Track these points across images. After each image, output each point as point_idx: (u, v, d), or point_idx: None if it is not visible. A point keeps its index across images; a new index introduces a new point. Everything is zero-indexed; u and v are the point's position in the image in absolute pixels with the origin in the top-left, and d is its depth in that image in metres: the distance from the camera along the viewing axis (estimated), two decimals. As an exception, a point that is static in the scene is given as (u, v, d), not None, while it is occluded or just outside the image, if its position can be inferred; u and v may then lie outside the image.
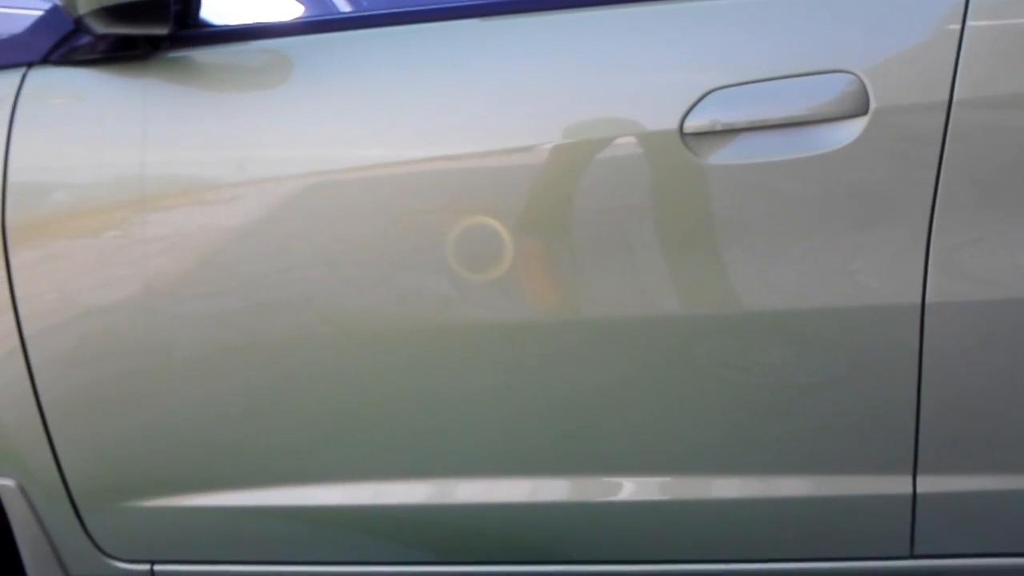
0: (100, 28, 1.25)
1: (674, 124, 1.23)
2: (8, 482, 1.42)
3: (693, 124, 1.23)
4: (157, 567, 1.47)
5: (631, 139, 1.26)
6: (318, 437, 1.38)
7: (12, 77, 1.35)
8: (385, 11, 1.39)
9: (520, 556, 1.43)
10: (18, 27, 1.37)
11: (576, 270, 1.28)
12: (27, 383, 1.37)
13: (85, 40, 1.33)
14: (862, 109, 1.21)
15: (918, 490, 1.31)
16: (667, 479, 1.35)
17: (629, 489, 1.36)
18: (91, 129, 1.32)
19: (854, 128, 1.22)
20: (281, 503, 1.40)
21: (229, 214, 1.31)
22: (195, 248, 1.31)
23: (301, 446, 1.38)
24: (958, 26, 1.21)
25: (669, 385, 1.31)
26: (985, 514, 1.33)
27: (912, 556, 1.36)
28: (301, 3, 1.63)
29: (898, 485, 1.31)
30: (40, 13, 1.35)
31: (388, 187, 1.29)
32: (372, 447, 1.38)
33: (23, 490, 1.42)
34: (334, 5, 1.60)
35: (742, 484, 1.34)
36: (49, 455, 1.39)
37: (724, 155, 1.24)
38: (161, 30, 1.26)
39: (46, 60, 1.34)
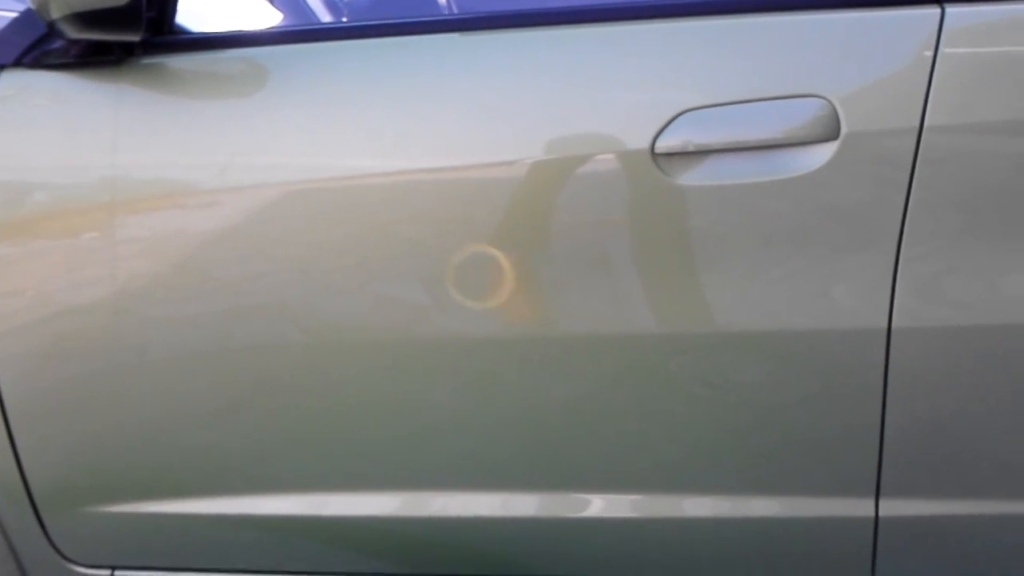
0: (72, 33, 1.24)
1: (646, 144, 1.24)
2: (-33, 483, 1.41)
3: (665, 144, 1.24)
4: (118, 572, 1.46)
5: (604, 157, 1.26)
6: (287, 445, 1.37)
7: (-16, 78, 1.34)
8: (365, 23, 1.38)
9: (488, 570, 1.42)
10: (-9, 29, 1.36)
11: (550, 285, 1.28)
12: None
13: (58, 44, 1.32)
14: (833, 134, 1.22)
15: (880, 513, 1.32)
16: (637, 496, 1.35)
17: (599, 506, 1.36)
18: (63, 132, 1.32)
19: (825, 152, 1.22)
20: (248, 511, 1.40)
21: (204, 219, 1.30)
22: (169, 252, 1.31)
23: (270, 454, 1.38)
24: (931, 53, 1.21)
25: (640, 402, 1.31)
26: (946, 539, 1.34)
27: (873, 579, 1.36)
28: (280, 12, 1.63)
29: (860, 508, 1.32)
30: (13, 15, 1.35)
31: (365, 197, 1.29)
32: (341, 456, 1.37)
33: (-18, 492, 1.41)
34: (313, 15, 1.59)
35: (710, 503, 1.35)
36: (11, 456, 1.38)
37: (695, 176, 1.24)
38: (134, 36, 1.25)
39: (19, 63, 1.34)
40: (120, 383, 1.35)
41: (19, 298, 1.34)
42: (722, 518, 1.35)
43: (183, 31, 1.37)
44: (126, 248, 1.31)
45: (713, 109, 1.23)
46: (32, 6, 1.24)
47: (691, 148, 1.23)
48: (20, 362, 1.35)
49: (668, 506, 1.35)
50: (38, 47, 1.33)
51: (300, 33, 1.39)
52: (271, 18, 1.60)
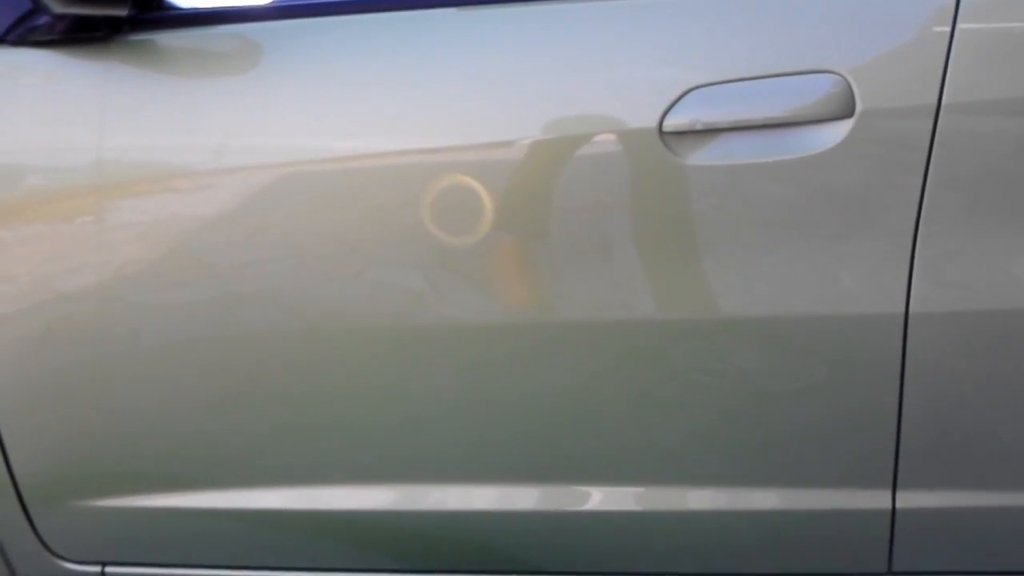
0: (57, 7, 1.21)
1: (653, 122, 1.20)
2: (-48, 476, 1.38)
3: (673, 123, 1.20)
4: (108, 568, 1.43)
5: (610, 136, 1.23)
6: (282, 436, 1.34)
7: (-32, 58, 1.31)
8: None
9: (488, 565, 1.40)
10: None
11: (551, 269, 1.25)
12: None
13: (44, 20, 1.29)
14: (847, 111, 1.18)
15: (897, 505, 1.28)
16: (640, 488, 1.32)
17: (601, 498, 1.33)
18: (49, 112, 1.29)
19: (839, 131, 1.19)
20: (241, 505, 1.37)
21: (196, 203, 1.27)
22: (161, 237, 1.28)
23: (264, 445, 1.35)
24: (948, 28, 1.18)
25: (646, 391, 1.28)
26: (966, 531, 1.31)
27: (890, 572, 1.33)
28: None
29: (877, 499, 1.29)
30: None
31: (362, 179, 1.26)
32: (338, 448, 1.34)
33: (-33, 485, 1.38)
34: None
35: (717, 495, 1.32)
36: None
37: (704, 155, 1.21)
38: (120, 11, 1.23)
39: (3, 40, 1.30)
40: (111, 372, 1.33)
41: (7, 285, 1.31)
42: (731, 511, 1.32)
43: (173, 6, 1.34)
44: (116, 233, 1.28)
45: (723, 86, 1.20)
46: (16, -20, 1.22)
47: (700, 127, 1.20)
48: (7, 351, 1.32)
49: (673, 498, 1.32)
50: (23, 24, 1.30)
51: (295, 8, 1.36)
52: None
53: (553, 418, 1.31)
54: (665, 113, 1.20)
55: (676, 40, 1.24)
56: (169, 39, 1.30)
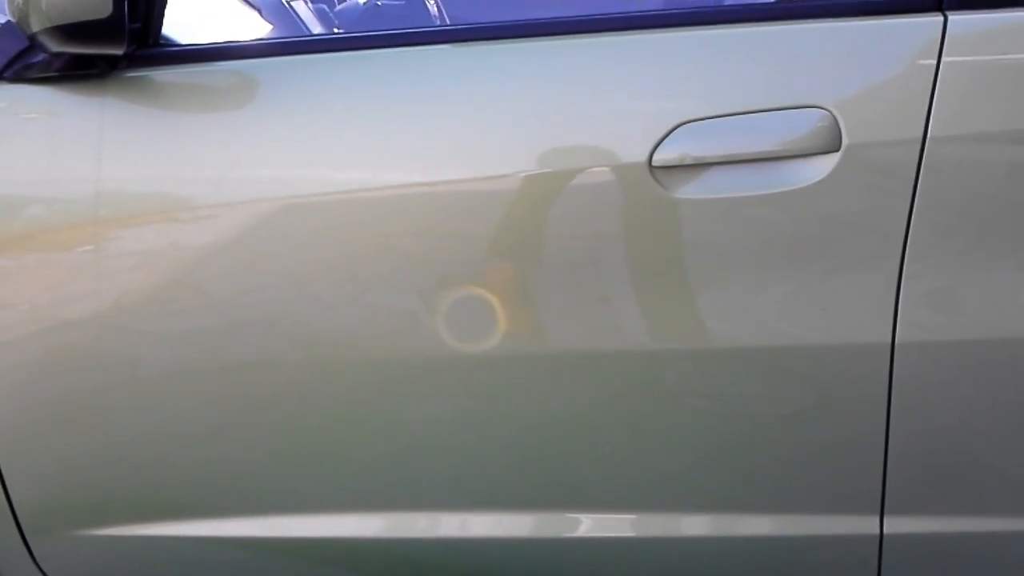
0: (54, 46, 1.21)
1: (643, 156, 1.21)
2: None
3: (662, 157, 1.21)
4: (107, 598, 1.43)
5: (600, 170, 1.24)
6: (281, 464, 1.34)
7: (-35, 94, 1.31)
8: (355, 34, 1.37)
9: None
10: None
11: (546, 301, 1.26)
12: None
13: (41, 58, 1.29)
14: (834, 145, 1.20)
15: (885, 530, 1.30)
16: (634, 515, 1.33)
17: (596, 525, 1.34)
18: (47, 147, 1.29)
19: (826, 164, 1.20)
20: (240, 533, 1.37)
21: (194, 234, 1.28)
22: (159, 267, 1.28)
23: (263, 473, 1.35)
24: (933, 61, 1.19)
25: (639, 420, 1.29)
26: (952, 556, 1.32)
27: (878, 598, 1.34)
28: (269, 24, 1.60)
29: (864, 525, 1.30)
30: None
31: (357, 211, 1.27)
32: (336, 475, 1.35)
33: (-35, 514, 1.37)
34: (304, 26, 1.57)
35: (710, 521, 1.33)
36: None
37: (694, 189, 1.22)
38: (117, 50, 1.23)
39: (0, 77, 1.30)
40: (110, 400, 1.33)
41: (6, 313, 1.31)
42: (723, 536, 1.32)
43: (170, 43, 1.34)
44: (115, 263, 1.29)
45: (712, 121, 1.21)
46: (12, 19, 1.22)
47: (689, 161, 1.21)
48: (6, 378, 1.32)
49: (667, 525, 1.33)
50: (20, 60, 1.30)
51: (290, 45, 1.37)
52: (260, 30, 1.57)
53: (548, 446, 1.31)
54: (655, 148, 1.21)
55: (666, 75, 1.25)
56: (166, 75, 1.31)
